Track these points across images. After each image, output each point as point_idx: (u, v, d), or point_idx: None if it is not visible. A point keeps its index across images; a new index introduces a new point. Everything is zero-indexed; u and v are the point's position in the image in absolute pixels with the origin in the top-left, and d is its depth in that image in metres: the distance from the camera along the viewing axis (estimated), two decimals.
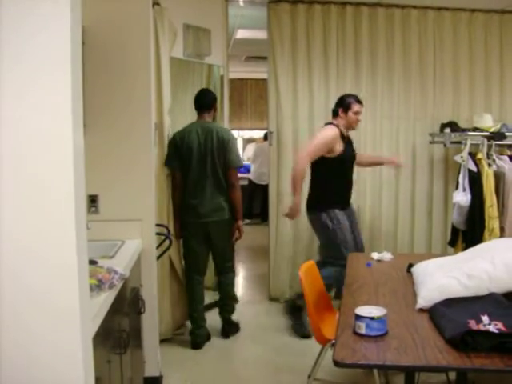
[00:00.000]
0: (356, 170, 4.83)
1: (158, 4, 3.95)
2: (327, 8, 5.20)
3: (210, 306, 5.05)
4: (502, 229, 4.70)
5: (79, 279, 1.59)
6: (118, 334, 2.50)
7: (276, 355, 4.16)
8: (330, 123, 4.44)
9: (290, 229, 5.30)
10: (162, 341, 4.13)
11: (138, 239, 3.38)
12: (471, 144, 4.79)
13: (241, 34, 6.73)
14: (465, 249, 3.97)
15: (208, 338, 4.39)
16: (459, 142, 4.94)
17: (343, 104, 4.41)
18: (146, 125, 3.43)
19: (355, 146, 4.83)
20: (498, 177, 4.75)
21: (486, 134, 4.89)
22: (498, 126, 4.98)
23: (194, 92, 4.51)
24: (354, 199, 5.30)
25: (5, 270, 1.55)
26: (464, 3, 5.25)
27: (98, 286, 2.22)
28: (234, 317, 4.66)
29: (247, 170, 9.47)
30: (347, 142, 4.46)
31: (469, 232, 4.76)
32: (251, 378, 3.80)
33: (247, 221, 8.48)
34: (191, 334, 4.33)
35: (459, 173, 4.81)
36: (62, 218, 1.56)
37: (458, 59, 5.38)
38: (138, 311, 3.17)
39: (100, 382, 2.02)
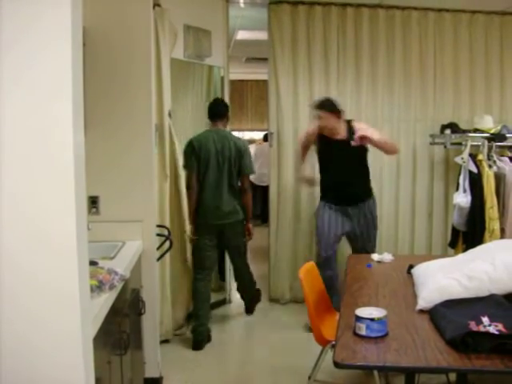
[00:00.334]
0: None
1: (158, 5, 3.95)
2: (328, 9, 5.20)
3: (211, 306, 5.06)
4: (502, 230, 4.70)
5: (80, 280, 1.59)
6: (118, 334, 2.50)
7: (276, 356, 4.16)
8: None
9: (290, 230, 5.30)
10: (163, 342, 4.13)
11: (139, 240, 3.38)
12: (472, 145, 4.79)
13: (241, 35, 6.73)
14: (465, 250, 3.96)
15: (209, 338, 4.40)
16: (460, 144, 4.94)
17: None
18: (146, 126, 3.43)
19: None
20: (499, 178, 4.75)
21: (487, 135, 4.89)
22: (499, 128, 4.98)
23: (195, 93, 4.62)
24: None
25: (5, 270, 1.56)
26: (464, 5, 5.25)
27: (98, 287, 2.22)
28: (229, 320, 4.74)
29: None
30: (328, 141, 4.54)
31: (469, 233, 4.76)
32: (251, 380, 3.80)
33: None
34: (193, 331, 4.36)
35: (460, 174, 4.82)
36: (62, 218, 1.57)
37: (458, 60, 5.38)
38: (139, 312, 3.17)
39: (100, 383, 2.02)
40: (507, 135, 4.92)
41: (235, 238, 4.62)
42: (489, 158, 4.78)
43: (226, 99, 5.25)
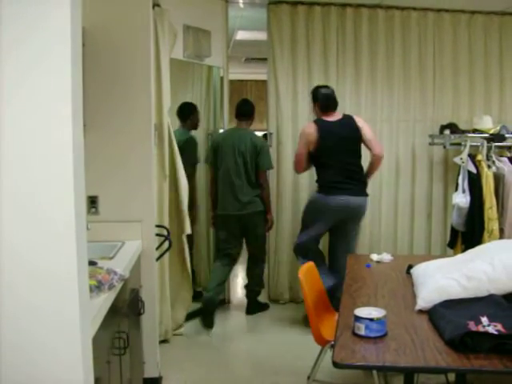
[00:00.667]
0: None
1: (158, 5, 3.95)
2: (327, 9, 5.20)
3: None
4: (501, 230, 4.71)
5: (79, 280, 1.59)
6: (117, 334, 2.50)
7: (275, 356, 4.16)
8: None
9: (289, 230, 5.30)
10: (162, 342, 4.14)
11: (138, 240, 3.38)
12: (471, 146, 4.80)
13: (241, 35, 6.73)
14: (464, 250, 3.97)
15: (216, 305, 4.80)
16: (459, 144, 4.95)
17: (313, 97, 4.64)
18: (145, 126, 3.43)
19: None
20: (498, 178, 4.75)
21: (486, 135, 4.90)
22: (498, 128, 4.99)
23: (194, 93, 4.61)
24: None
25: (4, 271, 1.56)
26: (464, 5, 5.26)
27: (97, 287, 2.22)
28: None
29: None
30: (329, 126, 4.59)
31: (468, 233, 4.77)
32: (250, 380, 3.80)
33: None
34: (203, 301, 4.71)
35: (459, 174, 4.82)
36: (61, 218, 1.57)
37: (457, 61, 5.39)
38: (138, 312, 3.17)
39: (99, 383, 2.02)
40: (506, 135, 4.93)
41: (253, 228, 4.91)
42: (488, 158, 4.79)
43: (226, 99, 5.25)
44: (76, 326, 1.60)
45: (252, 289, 5.14)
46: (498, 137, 4.88)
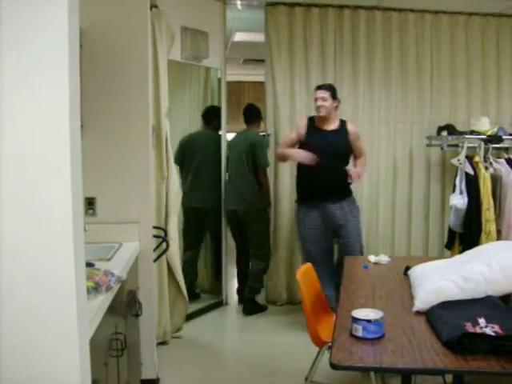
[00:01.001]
0: None
1: (155, 6, 3.95)
2: (325, 11, 5.21)
3: (208, 308, 5.07)
4: (498, 232, 4.72)
5: (76, 281, 1.59)
6: (114, 336, 2.49)
7: (273, 358, 4.16)
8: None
9: (287, 231, 5.30)
10: (161, 343, 4.14)
11: (136, 242, 3.38)
12: (468, 147, 4.80)
13: (238, 36, 6.73)
14: (462, 251, 3.97)
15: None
16: (456, 145, 4.95)
17: None
18: (143, 127, 3.43)
19: None
20: (495, 180, 4.76)
21: (483, 137, 4.90)
22: (495, 129, 4.99)
23: (192, 94, 4.61)
24: None
25: (2, 272, 1.55)
26: (461, 7, 5.26)
27: (95, 289, 2.22)
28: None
29: None
30: (318, 132, 4.47)
31: (466, 235, 4.77)
32: (248, 381, 3.80)
33: None
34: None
35: (456, 176, 4.83)
36: (59, 219, 1.56)
37: (455, 62, 5.40)
38: (135, 314, 3.16)
39: None
40: (503, 137, 4.93)
41: (250, 224, 5.08)
42: (485, 159, 4.79)
43: (223, 101, 5.26)
44: (74, 327, 1.60)
45: (248, 285, 5.15)
46: (495, 138, 4.88)
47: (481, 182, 4.69)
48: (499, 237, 4.70)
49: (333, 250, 4.62)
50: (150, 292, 3.54)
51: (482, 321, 2.16)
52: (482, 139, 4.86)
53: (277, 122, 5.25)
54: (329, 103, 4.39)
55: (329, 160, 4.29)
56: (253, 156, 5.02)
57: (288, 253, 5.33)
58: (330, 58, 5.25)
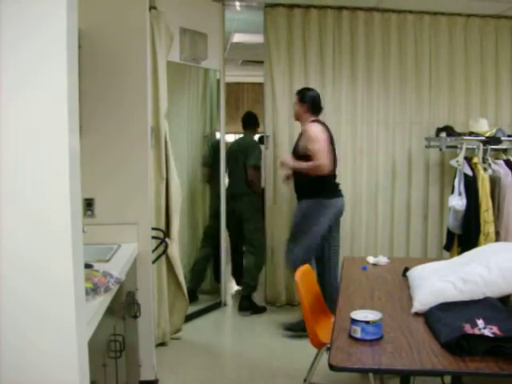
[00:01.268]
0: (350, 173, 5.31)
1: (154, 8, 3.96)
2: (323, 12, 5.21)
3: (207, 310, 5.07)
4: (497, 233, 4.71)
5: (75, 283, 1.59)
6: (113, 337, 2.49)
7: (272, 359, 4.16)
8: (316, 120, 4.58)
9: (285, 232, 5.29)
10: (159, 345, 4.14)
11: (134, 243, 3.38)
12: (467, 148, 4.80)
13: (237, 38, 6.74)
14: (460, 253, 3.97)
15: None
16: (455, 147, 4.95)
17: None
18: (142, 128, 3.43)
19: (352, 150, 5.36)
20: (494, 181, 4.76)
21: (482, 138, 4.90)
22: (494, 131, 5.00)
23: (191, 96, 4.73)
24: (351, 203, 5.34)
25: (1, 273, 1.55)
26: (460, 8, 5.27)
27: (93, 290, 2.22)
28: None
29: None
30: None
31: (464, 236, 4.77)
32: (247, 382, 3.79)
33: None
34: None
35: (455, 177, 4.83)
36: (57, 221, 1.56)
37: (453, 64, 5.40)
38: (134, 315, 3.16)
39: None
40: (502, 138, 4.94)
41: (245, 222, 5.44)
42: (484, 161, 4.79)
43: (222, 102, 5.27)
44: (72, 328, 1.60)
45: (243, 282, 5.37)
46: (493, 139, 4.88)
47: (479, 183, 4.69)
48: (498, 238, 4.70)
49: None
50: (148, 293, 3.54)
51: (480, 322, 2.16)
52: (481, 140, 4.86)
53: (275, 123, 5.25)
54: (297, 107, 4.60)
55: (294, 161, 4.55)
56: (244, 158, 5.43)
57: None
58: (329, 59, 5.25)
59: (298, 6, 5.18)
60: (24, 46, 1.53)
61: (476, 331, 2.10)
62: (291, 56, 5.22)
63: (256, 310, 5.21)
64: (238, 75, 9.72)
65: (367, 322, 2.21)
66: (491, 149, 4.85)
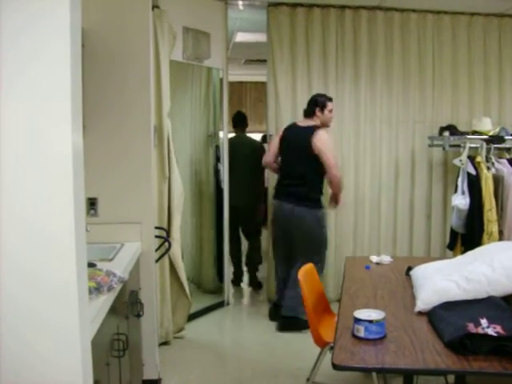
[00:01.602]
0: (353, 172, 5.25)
1: (157, 7, 3.96)
2: (326, 11, 5.21)
3: (210, 309, 5.07)
4: (500, 232, 4.70)
5: (78, 282, 1.59)
6: (116, 336, 2.50)
7: (274, 358, 4.16)
8: (314, 126, 4.54)
9: None
10: (163, 344, 4.14)
11: (138, 242, 3.38)
12: (470, 147, 4.79)
13: (240, 37, 6.73)
14: (464, 252, 3.97)
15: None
16: (458, 146, 4.94)
17: (319, 103, 4.55)
18: (145, 127, 3.43)
19: (356, 148, 5.33)
20: (497, 180, 4.75)
21: (485, 137, 4.90)
22: (497, 130, 4.99)
23: (194, 95, 4.80)
24: (354, 201, 5.34)
25: (3, 272, 1.55)
26: (463, 7, 5.26)
27: (96, 289, 2.22)
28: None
29: None
30: None
31: (468, 235, 4.77)
32: (250, 381, 3.80)
33: None
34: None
35: (458, 176, 4.82)
36: (61, 220, 1.56)
37: (457, 62, 5.39)
38: (137, 314, 3.17)
39: None
40: (505, 137, 4.93)
41: (247, 217, 5.87)
42: (487, 160, 4.78)
43: (225, 101, 5.26)
44: (75, 327, 1.60)
45: (248, 262, 6.02)
46: (497, 138, 4.88)
47: (483, 182, 4.68)
48: (501, 237, 4.69)
49: None
50: (151, 292, 3.54)
51: (484, 321, 2.16)
52: (484, 139, 4.86)
53: (278, 122, 5.24)
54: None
55: None
56: (254, 159, 5.56)
57: None
58: (332, 58, 5.25)
59: (301, 4, 5.17)
60: (27, 45, 1.53)
61: (479, 330, 2.10)
62: (294, 55, 5.21)
63: (256, 285, 5.90)
64: (241, 74, 9.72)
65: (370, 321, 2.21)
66: (494, 148, 4.84)
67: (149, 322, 3.49)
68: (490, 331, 2.08)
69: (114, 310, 2.39)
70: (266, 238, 5.52)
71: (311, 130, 4.49)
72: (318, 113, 4.54)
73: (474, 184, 4.69)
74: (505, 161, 4.87)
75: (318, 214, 4.56)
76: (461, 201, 4.71)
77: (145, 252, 3.43)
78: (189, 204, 5.24)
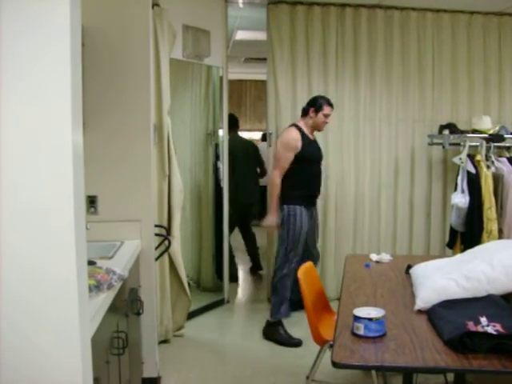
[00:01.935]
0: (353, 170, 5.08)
1: (157, 5, 3.96)
2: (326, 9, 5.20)
3: (210, 307, 5.07)
4: (500, 230, 4.71)
5: (78, 280, 1.59)
6: (116, 334, 2.50)
7: (274, 356, 4.16)
8: (293, 124, 4.49)
9: None
10: (162, 342, 4.15)
11: (137, 240, 3.38)
12: (470, 146, 4.80)
13: (240, 35, 6.73)
14: (463, 250, 3.98)
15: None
16: (458, 144, 4.95)
17: (315, 104, 4.41)
18: (145, 125, 3.43)
19: (355, 147, 5.29)
20: (497, 179, 4.75)
21: (485, 135, 4.90)
22: (497, 128, 4.99)
23: (193, 93, 4.92)
24: (354, 200, 5.34)
25: (3, 270, 1.56)
26: (463, 5, 5.26)
27: (96, 287, 2.22)
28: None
29: None
30: (310, 142, 4.43)
31: (467, 234, 4.77)
32: (249, 379, 3.80)
33: None
34: None
35: (458, 174, 4.82)
36: (61, 218, 1.56)
37: (456, 61, 5.39)
38: (137, 312, 3.17)
39: (98, 383, 2.02)
40: (505, 136, 4.93)
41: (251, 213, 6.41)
42: (487, 158, 4.79)
43: (225, 99, 5.26)
44: (75, 325, 1.60)
45: (249, 248, 6.44)
46: (496, 137, 4.88)
47: (482, 180, 4.69)
48: (501, 236, 4.69)
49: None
50: (151, 290, 3.54)
51: (483, 319, 2.16)
52: (484, 138, 4.86)
53: (278, 120, 5.24)
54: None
55: (320, 167, 4.55)
56: (255, 158, 6.27)
57: None
58: (332, 56, 5.25)
59: (301, 3, 5.17)
60: (27, 44, 1.52)
61: (479, 328, 2.10)
62: (294, 53, 5.21)
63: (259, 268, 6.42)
64: (241, 72, 9.73)
65: (370, 319, 2.21)
66: (494, 146, 4.85)
67: (148, 319, 3.49)
68: (490, 329, 2.09)
69: (113, 308, 2.40)
70: (264, 235, 5.51)
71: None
72: (311, 113, 4.38)
73: (474, 182, 4.70)
74: (504, 159, 4.87)
75: None
76: (460, 199, 4.71)
77: (145, 250, 3.43)
78: (188, 202, 5.24)
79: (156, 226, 3.73)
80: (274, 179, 4.34)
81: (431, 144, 5.31)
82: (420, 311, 2.51)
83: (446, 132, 5.03)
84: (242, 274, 6.44)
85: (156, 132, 3.89)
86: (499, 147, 4.99)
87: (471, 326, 2.12)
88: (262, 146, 8.78)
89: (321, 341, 3.10)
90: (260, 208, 6.12)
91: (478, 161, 4.76)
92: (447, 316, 2.28)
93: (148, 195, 3.47)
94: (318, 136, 4.79)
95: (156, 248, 3.73)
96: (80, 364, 1.61)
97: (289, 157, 4.28)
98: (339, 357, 2.07)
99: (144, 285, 3.44)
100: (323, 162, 4.65)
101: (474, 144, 4.86)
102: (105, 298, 2.21)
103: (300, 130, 4.37)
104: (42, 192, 1.56)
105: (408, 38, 5.33)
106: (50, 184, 1.56)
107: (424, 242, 5.55)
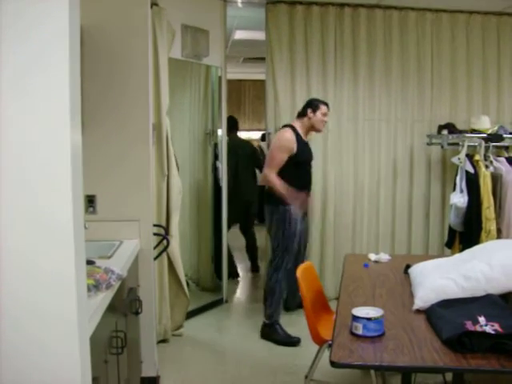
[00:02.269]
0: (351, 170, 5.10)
1: (156, 4, 3.95)
2: (325, 9, 5.20)
3: (208, 306, 5.07)
4: (498, 230, 4.71)
5: (77, 279, 1.59)
6: (115, 334, 2.50)
7: (273, 356, 4.16)
8: (286, 125, 4.49)
9: None
10: (161, 341, 4.14)
11: (136, 239, 3.38)
12: (468, 146, 4.80)
13: (239, 34, 6.73)
14: (462, 250, 3.98)
15: None
16: (457, 144, 4.95)
17: (312, 105, 4.44)
18: (143, 125, 3.43)
19: (354, 147, 5.28)
20: (496, 178, 4.76)
21: (484, 135, 4.90)
22: (496, 128, 5.00)
23: (192, 92, 4.89)
24: (352, 200, 5.34)
25: (1, 270, 1.55)
26: (462, 5, 5.26)
27: (95, 287, 2.22)
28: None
29: None
30: (304, 144, 4.42)
31: (466, 233, 4.77)
32: (248, 379, 3.80)
33: None
34: None
35: (456, 174, 4.83)
36: (59, 218, 1.56)
37: (455, 61, 5.39)
38: (136, 311, 3.17)
39: (97, 382, 2.02)
40: (504, 136, 4.93)
41: (252, 211, 6.49)
42: (485, 158, 4.79)
43: (224, 99, 5.26)
44: (74, 325, 1.60)
45: (249, 248, 6.48)
46: (495, 137, 4.88)
47: (481, 180, 4.69)
48: (499, 235, 4.70)
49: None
50: (150, 290, 3.54)
51: (482, 319, 2.16)
52: (483, 138, 4.86)
53: (277, 120, 5.24)
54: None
55: (311, 169, 4.62)
56: (255, 158, 6.38)
57: None
58: (331, 56, 5.25)
59: (300, 2, 5.17)
60: (25, 43, 1.52)
61: (477, 328, 2.10)
62: (293, 53, 5.20)
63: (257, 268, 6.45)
64: (240, 72, 9.72)
65: (369, 319, 2.21)
66: (493, 146, 4.86)
67: (147, 319, 3.49)
68: (488, 329, 2.09)
69: (112, 308, 2.40)
70: (264, 235, 5.51)
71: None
72: (309, 114, 4.38)
73: (473, 182, 4.70)
74: (503, 159, 4.87)
75: None
76: (459, 199, 4.72)
77: (143, 249, 3.43)
78: (187, 202, 5.24)
79: (155, 225, 3.73)
80: (268, 176, 4.32)
81: (430, 144, 5.31)
82: (418, 311, 2.51)
83: (445, 132, 5.04)
84: (242, 273, 6.43)
85: (155, 132, 3.89)
86: (498, 147, 5.00)
87: (470, 325, 2.12)
88: (262, 145, 8.81)
89: (319, 340, 3.11)
90: (259, 208, 6.11)
91: (477, 161, 4.76)
92: (446, 316, 2.28)
93: (147, 195, 3.47)
94: (317, 136, 4.80)
95: (154, 247, 3.73)
96: (79, 363, 1.61)
97: (283, 158, 4.29)
98: (338, 356, 2.07)
99: (143, 284, 3.44)
100: (312, 163, 4.65)
101: (472, 144, 4.86)
102: (103, 298, 2.21)
103: (295, 131, 4.37)
104: (40, 191, 1.56)
105: (407, 37, 5.33)
106: (48, 183, 1.56)
107: (423, 242, 5.55)
